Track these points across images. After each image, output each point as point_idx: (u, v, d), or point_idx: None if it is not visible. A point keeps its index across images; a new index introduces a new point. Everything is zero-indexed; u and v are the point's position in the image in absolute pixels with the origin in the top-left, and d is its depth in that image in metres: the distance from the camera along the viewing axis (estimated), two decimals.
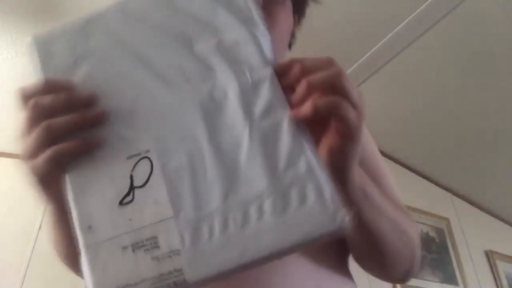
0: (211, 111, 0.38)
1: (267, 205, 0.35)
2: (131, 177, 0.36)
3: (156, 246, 0.34)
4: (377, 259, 0.56)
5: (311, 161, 0.36)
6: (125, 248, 0.34)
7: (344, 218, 0.34)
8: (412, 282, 2.09)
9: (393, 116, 2.29)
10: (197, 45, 0.40)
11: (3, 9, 1.63)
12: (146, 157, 0.37)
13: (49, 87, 0.38)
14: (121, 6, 0.44)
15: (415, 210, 2.39)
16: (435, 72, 2.01)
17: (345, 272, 0.61)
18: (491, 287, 2.56)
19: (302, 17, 0.79)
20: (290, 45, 0.80)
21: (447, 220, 2.56)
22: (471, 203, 2.93)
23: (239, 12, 0.41)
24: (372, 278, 2.09)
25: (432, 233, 2.41)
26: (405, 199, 2.21)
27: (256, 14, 0.41)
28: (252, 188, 0.35)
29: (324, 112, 0.37)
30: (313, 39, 1.83)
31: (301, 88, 0.37)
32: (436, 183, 2.74)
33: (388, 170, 0.68)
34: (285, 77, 0.38)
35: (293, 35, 0.78)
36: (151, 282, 0.33)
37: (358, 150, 0.40)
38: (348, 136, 0.38)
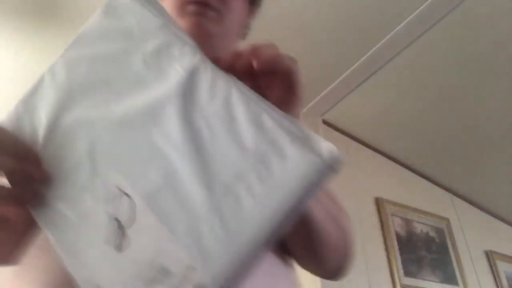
0: (158, 116, 0.37)
1: (252, 178, 0.33)
2: (117, 220, 0.35)
3: (168, 273, 0.32)
4: (313, 249, 0.56)
5: (273, 115, 0.36)
6: None
7: (330, 149, 0.34)
8: (412, 282, 2.09)
9: (393, 116, 2.29)
10: (133, 57, 0.41)
11: (3, 9, 1.63)
12: (122, 194, 0.35)
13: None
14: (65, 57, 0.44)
15: (415, 210, 2.39)
16: (435, 72, 2.01)
17: (294, 278, 0.61)
18: (491, 287, 2.56)
19: (257, 8, 0.81)
20: (244, 36, 0.82)
21: (447, 220, 2.56)
22: (471, 203, 2.93)
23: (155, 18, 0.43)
24: (372, 278, 2.08)
25: (432, 233, 2.41)
26: (405, 199, 2.21)
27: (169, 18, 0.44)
28: (230, 169, 0.34)
29: (269, 65, 0.41)
30: (313, 39, 1.84)
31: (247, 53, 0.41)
32: (436, 183, 2.74)
33: None
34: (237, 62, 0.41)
35: (247, 26, 0.80)
36: None
37: (299, 105, 0.43)
38: (291, 88, 0.43)
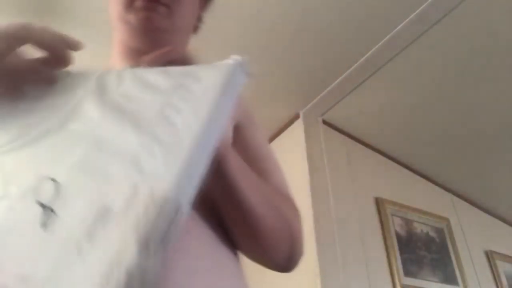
0: (77, 111, 0.41)
1: (177, 102, 0.37)
2: (39, 203, 0.33)
3: (109, 211, 0.30)
4: (254, 235, 0.55)
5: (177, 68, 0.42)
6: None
7: (235, 58, 0.40)
8: (412, 282, 2.09)
9: (393, 116, 2.29)
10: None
11: (3, 9, 1.63)
12: (43, 179, 0.35)
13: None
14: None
15: (415, 210, 2.39)
16: (434, 72, 2.01)
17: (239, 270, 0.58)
18: (491, 287, 2.56)
19: (210, 1, 0.81)
20: (197, 29, 0.82)
21: (447, 220, 2.56)
22: (471, 203, 2.93)
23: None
24: (372, 278, 2.09)
25: (432, 233, 2.41)
26: (405, 199, 2.22)
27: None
28: (154, 107, 0.37)
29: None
30: (313, 39, 1.84)
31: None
32: (436, 183, 2.75)
33: (279, 166, 0.71)
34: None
35: (200, 19, 0.80)
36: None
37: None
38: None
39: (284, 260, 0.62)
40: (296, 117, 2.25)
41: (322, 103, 2.19)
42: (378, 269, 2.00)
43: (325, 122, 2.31)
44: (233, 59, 0.41)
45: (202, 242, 0.50)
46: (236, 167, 0.52)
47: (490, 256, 2.69)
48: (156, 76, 0.42)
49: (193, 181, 0.32)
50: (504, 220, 3.11)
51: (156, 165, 0.32)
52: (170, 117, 0.36)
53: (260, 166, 0.66)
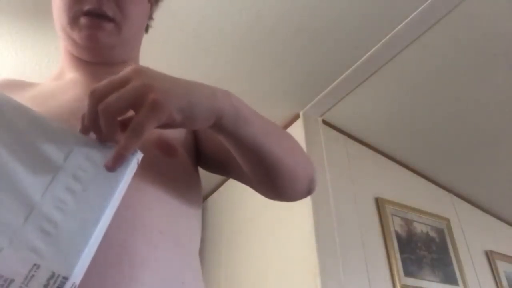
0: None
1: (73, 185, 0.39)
2: None
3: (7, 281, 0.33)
4: (277, 177, 0.56)
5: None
6: None
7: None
8: (412, 282, 2.09)
9: (393, 116, 2.29)
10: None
11: (3, 9, 1.63)
12: None
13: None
14: None
15: (415, 210, 2.39)
16: (434, 72, 2.01)
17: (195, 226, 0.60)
18: (491, 287, 2.56)
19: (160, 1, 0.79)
20: (147, 29, 0.80)
21: (447, 220, 2.56)
22: (471, 203, 2.93)
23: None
24: (372, 278, 2.09)
25: (432, 233, 2.41)
26: (405, 199, 2.22)
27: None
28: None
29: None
30: (313, 39, 1.84)
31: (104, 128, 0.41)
32: (436, 183, 2.75)
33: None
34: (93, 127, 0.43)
35: (150, 17, 0.78)
36: None
37: (182, 103, 0.43)
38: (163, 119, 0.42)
39: (302, 194, 0.63)
40: (296, 117, 2.25)
41: (322, 103, 2.19)
42: (378, 269, 2.00)
43: (325, 122, 2.31)
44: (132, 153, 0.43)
45: (163, 216, 0.52)
46: (252, 124, 0.51)
47: (490, 256, 2.69)
48: (52, 149, 0.42)
49: (87, 260, 0.36)
50: (504, 220, 3.11)
51: (53, 250, 0.35)
52: (65, 201, 0.38)
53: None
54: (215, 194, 2.85)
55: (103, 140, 0.43)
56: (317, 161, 2.09)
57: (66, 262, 0.34)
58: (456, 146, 2.49)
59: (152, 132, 0.52)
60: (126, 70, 0.43)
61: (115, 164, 0.41)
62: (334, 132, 2.33)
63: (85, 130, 0.44)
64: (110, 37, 0.63)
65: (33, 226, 0.36)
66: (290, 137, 0.61)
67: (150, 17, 0.78)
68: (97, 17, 0.61)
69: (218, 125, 0.48)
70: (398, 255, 2.12)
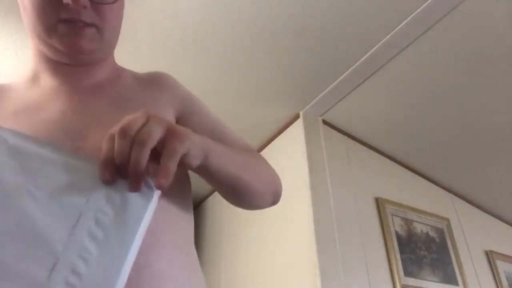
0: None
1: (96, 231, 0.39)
2: None
3: None
4: (242, 196, 0.64)
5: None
6: None
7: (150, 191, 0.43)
8: (412, 282, 2.09)
9: (393, 116, 2.29)
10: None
11: (3, 9, 1.63)
12: None
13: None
14: None
15: (415, 210, 2.39)
16: (434, 72, 2.01)
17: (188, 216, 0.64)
18: (491, 287, 2.56)
19: None
20: None
21: (447, 220, 2.56)
22: (471, 203, 2.93)
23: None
24: (372, 278, 2.09)
25: (432, 233, 2.41)
26: (405, 199, 2.22)
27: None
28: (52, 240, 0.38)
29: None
30: (313, 39, 1.84)
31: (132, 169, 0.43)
32: (436, 183, 2.75)
33: (229, 130, 0.75)
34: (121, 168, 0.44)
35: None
36: None
37: (184, 146, 0.47)
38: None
39: (266, 206, 0.72)
40: (296, 117, 2.25)
41: (322, 103, 2.19)
42: (378, 269, 2.00)
43: (325, 122, 2.31)
44: (151, 187, 0.44)
45: (171, 228, 0.55)
46: (220, 158, 0.55)
47: (490, 256, 2.69)
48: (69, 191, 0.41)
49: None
50: (504, 220, 3.11)
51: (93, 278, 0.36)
52: (89, 249, 0.38)
53: (211, 133, 0.69)
54: (215, 194, 2.85)
55: (134, 182, 0.44)
56: (317, 161, 2.09)
57: None
58: (456, 146, 2.49)
59: None
60: (134, 115, 0.46)
61: (161, 185, 0.43)
62: (334, 132, 2.33)
63: (108, 171, 0.44)
64: (92, 42, 0.62)
65: (59, 279, 0.35)
66: (256, 158, 0.69)
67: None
68: (76, 22, 0.60)
69: (203, 164, 0.53)
70: (398, 255, 2.12)
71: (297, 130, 2.20)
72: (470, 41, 1.84)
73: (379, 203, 2.24)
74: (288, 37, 1.82)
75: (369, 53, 1.89)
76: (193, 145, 0.49)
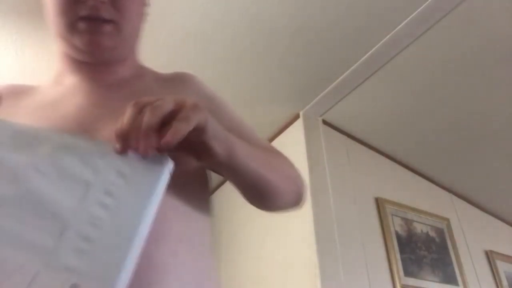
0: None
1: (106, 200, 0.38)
2: None
3: None
4: (266, 197, 0.61)
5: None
6: None
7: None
8: (412, 282, 2.09)
9: (393, 116, 2.29)
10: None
11: (3, 9, 1.63)
12: None
13: None
14: None
15: (415, 210, 2.39)
16: (434, 72, 2.01)
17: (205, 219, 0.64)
18: (491, 287, 2.56)
19: None
20: (145, 16, 0.77)
21: (447, 220, 2.56)
22: (471, 203, 2.93)
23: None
24: (372, 278, 2.09)
25: (432, 233, 2.41)
26: (405, 199, 2.22)
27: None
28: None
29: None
30: (313, 39, 1.84)
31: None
32: (436, 183, 2.74)
33: (251, 130, 0.73)
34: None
35: (147, 4, 0.76)
36: None
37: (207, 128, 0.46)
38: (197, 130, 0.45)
39: (293, 205, 0.70)
40: (296, 117, 2.25)
41: (322, 103, 2.18)
42: (378, 269, 2.00)
43: (325, 122, 2.31)
44: (163, 162, 0.43)
45: (180, 223, 0.54)
46: (244, 154, 0.53)
47: (490, 256, 2.69)
48: (80, 166, 0.41)
49: (127, 276, 0.35)
50: (504, 220, 3.11)
51: (92, 268, 0.34)
52: (100, 216, 0.37)
53: (231, 129, 0.69)
54: (215, 194, 2.85)
55: (143, 146, 0.42)
56: (317, 161, 2.09)
57: (106, 279, 0.34)
58: (456, 146, 2.49)
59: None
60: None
61: (166, 142, 0.41)
62: (334, 132, 2.33)
63: (122, 137, 0.43)
64: (111, 39, 0.62)
65: (68, 245, 0.35)
66: (280, 158, 0.67)
67: (147, 4, 0.76)
68: (94, 20, 0.60)
69: (228, 158, 0.51)
70: (398, 255, 2.12)
71: (297, 130, 2.20)
72: (470, 41, 1.84)
73: (379, 203, 2.24)
74: (288, 37, 1.82)
75: (369, 53, 1.89)
76: (212, 125, 0.47)
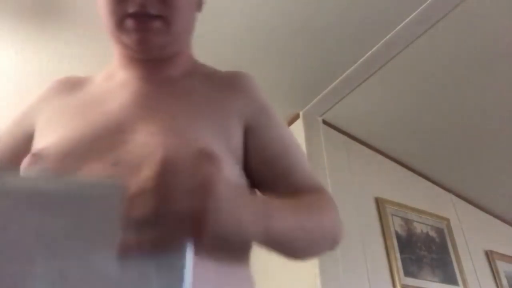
0: None
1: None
2: None
3: None
4: (299, 254, 0.60)
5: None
6: None
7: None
8: (412, 282, 2.09)
9: (393, 116, 2.29)
10: None
11: (4, 9, 1.63)
12: None
13: None
14: None
15: (415, 210, 2.39)
16: (434, 72, 2.01)
17: (244, 269, 0.63)
18: (491, 287, 2.56)
19: None
20: (201, 8, 0.79)
21: (447, 220, 2.56)
22: (471, 203, 2.93)
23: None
24: (372, 278, 2.08)
25: (432, 233, 2.41)
26: (405, 199, 2.22)
27: None
28: None
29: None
30: (313, 39, 1.84)
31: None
32: (436, 183, 2.74)
33: (299, 152, 0.68)
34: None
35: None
36: None
37: (224, 217, 0.37)
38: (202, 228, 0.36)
39: (324, 253, 0.66)
40: (296, 117, 2.25)
41: (322, 103, 2.18)
42: (378, 269, 2.00)
43: (325, 122, 2.31)
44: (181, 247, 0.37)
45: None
46: (280, 227, 0.48)
47: (490, 256, 2.68)
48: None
49: None
50: (504, 220, 3.11)
51: None
52: None
53: (280, 164, 0.64)
54: None
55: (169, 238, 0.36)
56: (317, 161, 2.09)
57: None
58: (456, 146, 2.49)
59: (193, 141, 0.52)
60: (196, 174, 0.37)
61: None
62: (334, 132, 2.33)
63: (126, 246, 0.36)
64: (160, 35, 0.61)
65: None
66: (322, 206, 0.60)
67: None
68: (142, 16, 0.59)
69: (260, 239, 0.48)
70: (398, 255, 2.12)
71: (297, 130, 2.20)
72: (470, 41, 1.84)
73: (379, 203, 2.24)
74: (288, 37, 1.82)
75: (369, 53, 1.89)
76: (231, 211, 0.38)
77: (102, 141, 0.55)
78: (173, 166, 0.36)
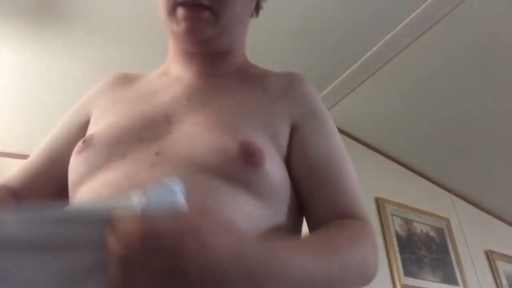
0: None
1: None
2: None
3: None
4: None
5: None
6: None
7: None
8: (412, 282, 2.09)
9: (393, 116, 2.29)
10: None
11: (4, 9, 1.63)
12: None
13: None
14: None
15: (415, 210, 2.39)
16: (434, 72, 2.01)
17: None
18: (491, 287, 2.56)
19: None
20: (257, 13, 0.77)
21: (447, 220, 2.56)
22: (471, 203, 2.93)
23: None
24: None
25: (432, 233, 2.41)
26: (405, 199, 2.22)
27: None
28: None
29: None
30: (314, 39, 1.84)
31: None
32: (436, 183, 2.74)
33: (344, 164, 0.65)
34: None
35: (257, 3, 0.74)
36: None
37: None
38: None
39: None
40: None
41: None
42: (378, 269, 2.00)
43: None
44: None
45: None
46: (299, 271, 0.43)
47: (490, 256, 2.69)
48: None
49: None
50: (504, 220, 3.11)
51: None
52: None
53: (322, 176, 0.61)
54: None
55: None
56: None
57: None
58: (456, 146, 2.49)
59: (237, 132, 0.52)
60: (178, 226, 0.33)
61: None
62: None
63: None
64: (207, 27, 0.61)
65: None
66: (356, 243, 0.55)
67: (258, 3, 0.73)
68: (193, 6, 0.60)
69: None
70: (398, 255, 2.12)
71: None
72: (470, 41, 1.84)
73: (379, 203, 2.24)
74: (288, 37, 1.82)
75: (369, 53, 1.89)
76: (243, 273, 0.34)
77: (149, 130, 0.56)
78: (149, 243, 0.31)
